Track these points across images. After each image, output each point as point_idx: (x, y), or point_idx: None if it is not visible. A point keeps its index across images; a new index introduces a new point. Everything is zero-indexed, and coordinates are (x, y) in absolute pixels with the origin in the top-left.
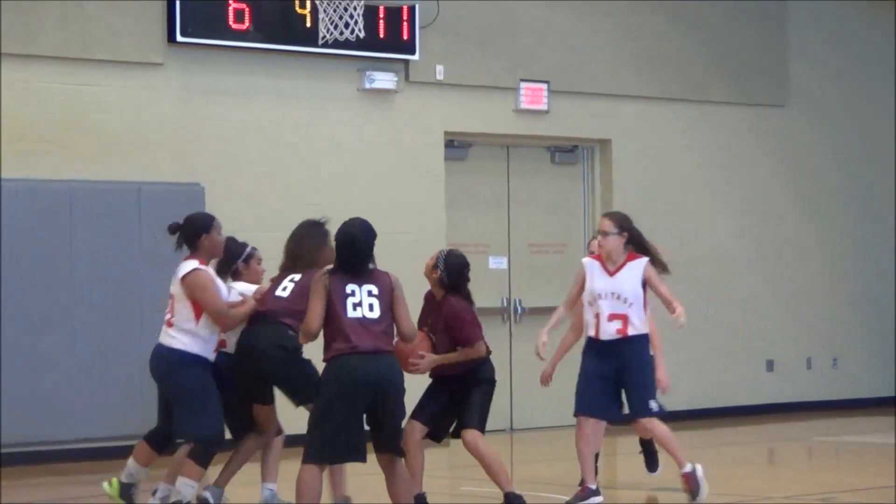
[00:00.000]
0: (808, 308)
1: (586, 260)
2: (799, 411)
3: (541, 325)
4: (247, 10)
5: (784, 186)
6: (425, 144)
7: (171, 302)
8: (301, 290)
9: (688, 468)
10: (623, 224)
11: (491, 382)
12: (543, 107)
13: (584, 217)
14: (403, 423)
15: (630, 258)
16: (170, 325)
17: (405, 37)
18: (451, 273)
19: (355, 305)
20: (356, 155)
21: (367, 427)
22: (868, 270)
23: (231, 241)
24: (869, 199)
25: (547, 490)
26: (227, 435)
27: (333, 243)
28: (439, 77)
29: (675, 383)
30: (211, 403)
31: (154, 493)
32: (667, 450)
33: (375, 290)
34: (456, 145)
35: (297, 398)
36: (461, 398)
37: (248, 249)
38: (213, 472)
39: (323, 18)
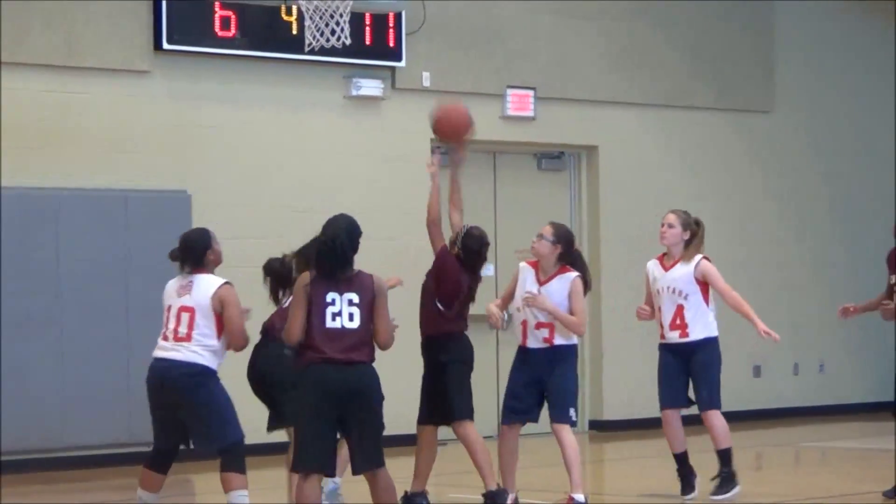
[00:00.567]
0: (795, 313)
1: (523, 265)
2: (786, 417)
3: None
4: (233, 17)
5: (770, 192)
6: (412, 151)
7: (174, 314)
8: None
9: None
10: (561, 236)
11: (463, 363)
12: (530, 113)
13: (572, 224)
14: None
15: (562, 270)
16: (185, 339)
17: (391, 44)
18: (468, 252)
19: (335, 315)
20: (343, 162)
21: (342, 437)
22: (854, 276)
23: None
24: (855, 205)
25: (533, 497)
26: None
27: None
28: (426, 84)
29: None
30: (233, 409)
31: None
32: (566, 462)
33: (356, 299)
34: (443, 152)
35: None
36: (439, 385)
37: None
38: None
39: (309, 25)
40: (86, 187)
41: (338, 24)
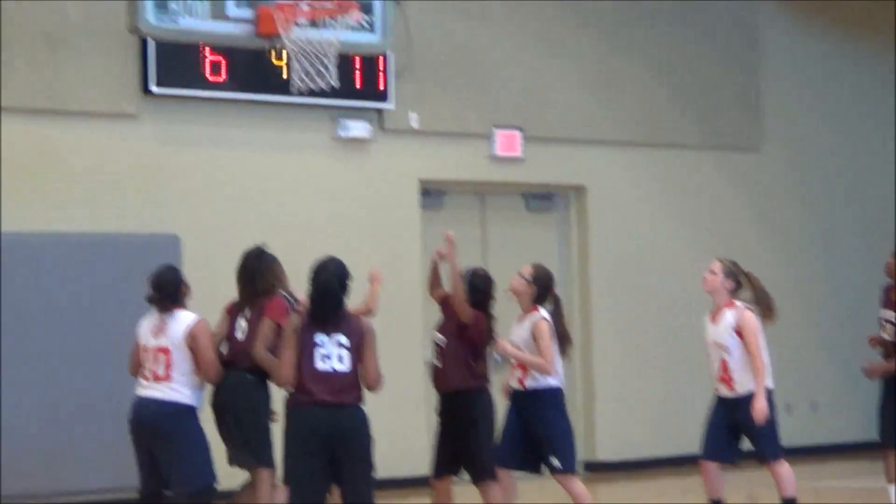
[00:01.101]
0: (786, 353)
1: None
2: None
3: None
4: (222, 61)
5: (758, 230)
6: (400, 192)
7: (152, 356)
8: (254, 329)
9: None
10: (539, 278)
11: (491, 420)
12: (518, 153)
13: (560, 264)
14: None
15: (531, 310)
16: (165, 378)
17: (379, 85)
18: (477, 292)
19: (324, 357)
20: (331, 203)
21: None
22: (844, 314)
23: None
24: (844, 245)
25: None
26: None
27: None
28: (413, 125)
29: (654, 428)
30: (209, 452)
31: None
32: None
33: (346, 341)
34: (431, 193)
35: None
36: (467, 442)
37: None
38: None
39: (296, 67)
40: (73, 231)
41: (324, 65)
